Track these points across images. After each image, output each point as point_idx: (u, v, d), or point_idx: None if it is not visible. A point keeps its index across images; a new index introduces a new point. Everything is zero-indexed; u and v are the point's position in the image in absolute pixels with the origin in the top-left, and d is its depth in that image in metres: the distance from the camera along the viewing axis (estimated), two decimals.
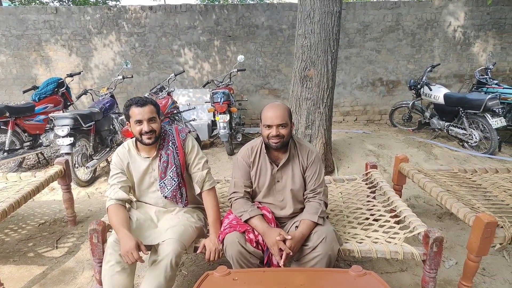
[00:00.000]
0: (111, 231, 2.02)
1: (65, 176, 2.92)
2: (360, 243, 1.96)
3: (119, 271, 1.78)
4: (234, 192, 2.04)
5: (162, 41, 6.36)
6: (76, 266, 2.51)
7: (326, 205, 2.02)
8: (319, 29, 3.51)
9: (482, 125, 4.68)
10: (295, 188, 2.00)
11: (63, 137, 3.61)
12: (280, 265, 1.75)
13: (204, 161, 2.13)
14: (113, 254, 1.81)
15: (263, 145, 2.02)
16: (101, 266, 1.89)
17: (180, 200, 2.08)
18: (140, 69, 6.48)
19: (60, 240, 2.85)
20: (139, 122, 1.94)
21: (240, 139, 5.09)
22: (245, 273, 1.66)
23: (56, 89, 4.77)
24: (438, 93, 5.27)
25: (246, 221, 1.91)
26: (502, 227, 1.91)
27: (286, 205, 2.03)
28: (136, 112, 1.93)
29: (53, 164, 2.93)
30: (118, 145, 4.40)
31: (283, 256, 1.75)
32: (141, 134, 1.95)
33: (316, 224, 1.88)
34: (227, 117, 4.62)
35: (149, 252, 1.88)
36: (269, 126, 1.89)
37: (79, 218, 3.17)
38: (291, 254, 1.75)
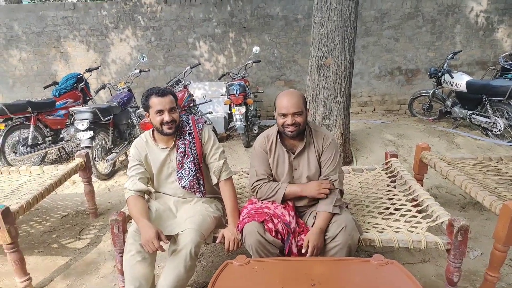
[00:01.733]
0: (131, 222, 2.04)
1: (86, 169, 2.97)
2: (381, 232, 1.92)
3: (139, 261, 1.80)
4: (258, 180, 2.01)
5: (177, 34, 6.38)
6: (98, 257, 2.56)
7: (342, 192, 1.98)
8: (336, 16, 3.44)
9: (507, 112, 4.51)
10: (311, 175, 1.98)
11: (83, 131, 3.68)
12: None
13: (221, 151, 2.12)
14: (134, 244, 1.83)
15: (278, 133, 2.00)
16: (122, 256, 1.91)
17: (198, 190, 2.08)
18: (156, 63, 6.52)
19: (83, 232, 2.91)
20: (160, 112, 1.94)
21: (256, 131, 5.08)
22: (265, 262, 1.65)
23: (75, 84, 4.86)
24: (460, 81, 5.09)
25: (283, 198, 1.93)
26: None
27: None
28: (157, 102, 1.94)
29: (74, 158, 2.98)
30: (136, 138, 4.46)
31: (310, 248, 1.74)
32: (161, 124, 1.95)
33: (333, 214, 1.85)
34: (243, 109, 4.60)
35: (169, 241, 1.90)
36: (284, 115, 1.87)
37: (100, 210, 3.23)
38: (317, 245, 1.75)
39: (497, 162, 2.72)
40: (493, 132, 4.67)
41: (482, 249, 2.42)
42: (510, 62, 5.45)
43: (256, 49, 5.31)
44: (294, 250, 1.81)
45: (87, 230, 2.93)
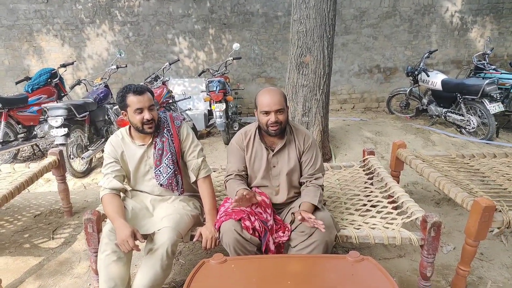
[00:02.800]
0: (106, 221, 2.00)
1: (60, 167, 2.88)
2: (358, 229, 1.95)
3: (115, 260, 1.76)
4: (227, 176, 2.03)
5: (156, 30, 6.26)
6: (72, 256, 2.49)
7: (322, 189, 2.00)
8: (315, 14, 3.45)
9: (479, 110, 4.66)
10: (291, 173, 1.99)
11: (57, 127, 3.57)
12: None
13: (200, 149, 2.10)
14: (109, 243, 1.79)
15: (257, 130, 1.99)
16: (96, 255, 1.87)
17: (176, 188, 2.05)
18: (135, 58, 6.39)
19: (56, 231, 2.83)
20: (140, 110, 1.89)
21: (236, 128, 5.05)
22: (242, 260, 1.65)
23: (49, 80, 4.70)
24: (436, 79, 5.23)
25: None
26: (500, 211, 1.89)
27: (280, 191, 2.02)
28: (135, 101, 1.88)
29: (47, 156, 2.89)
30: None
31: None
32: (142, 123, 1.90)
33: (315, 209, 1.86)
34: (223, 106, 4.58)
35: (145, 241, 1.86)
36: (267, 113, 1.86)
37: (75, 209, 3.15)
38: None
39: (469, 159, 2.80)
40: (467, 129, 4.81)
41: (455, 243, 2.49)
42: (483, 62, 5.62)
43: (236, 45, 5.28)
44: (272, 247, 1.81)
45: (61, 229, 2.85)
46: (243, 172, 2.03)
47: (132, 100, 1.88)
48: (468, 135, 4.80)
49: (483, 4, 6.43)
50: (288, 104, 2.01)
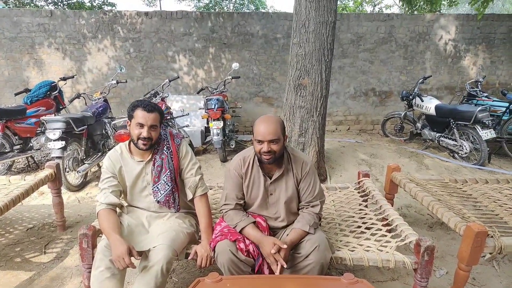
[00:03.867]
0: (101, 237, 1.99)
1: (56, 180, 2.88)
2: (352, 251, 1.96)
3: (108, 277, 1.75)
4: (225, 204, 2.02)
5: (157, 47, 6.37)
6: (64, 272, 2.46)
7: (319, 218, 2.00)
8: (314, 38, 3.55)
9: (472, 136, 4.75)
10: (289, 201, 1.99)
11: (54, 140, 3.57)
12: (276, 273, 1.74)
13: (198, 167, 2.12)
14: (103, 259, 1.78)
15: (256, 157, 1.98)
16: (90, 272, 1.85)
17: (172, 205, 2.07)
18: (134, 74, 6.47)
19: (49, 246, 2.80)
20: (141, 125, 1.92)
21: (233, 146, 5.09)
22: (237, 279, 1.65)
23: (48, 92, 4.73)
24: (430, 104, 5.34)
25: (240, 232, 1.89)
26: (492, 236, 1.92)
27: (279, 217, 2.01)
28: (140, 115, 1.92)
29: (43, 168, 2.89)
30: (110, 149, 4.37)
31: (278, 268, 1.73)
32: (138, 138, 1.94)
33: (307, 233, 1.87)
34: (220, 123, 4.62)
35: (140, 257, 1.86)
36: (260, 141, 1.85)
37: (68, 223, 3.13)
38: (285, 266, 1.74)
39: (462, 184, 2.85)
40: (460, 154, 4.89)
41: (448, 267, 2.50)
42: (476, 89, 5.76)
43: (235, 65, 5.37)
44: (266, 271, 1.81)
45: (54, 244, 2.82)
46: (241, 201, 2.02)
47: (138, 114, 1.93)
48: (460, 160, 4.87)
49: (475, 34, 6.64)
50: (286, 131, 2.01)
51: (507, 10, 18.88)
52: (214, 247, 1.84)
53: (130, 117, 1.97)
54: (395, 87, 6.85)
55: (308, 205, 1.98)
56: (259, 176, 1.98)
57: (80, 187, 3.99)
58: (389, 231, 2.17)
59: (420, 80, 5.69)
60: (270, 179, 1.98)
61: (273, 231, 2.03)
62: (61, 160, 3.57)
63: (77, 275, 2.41)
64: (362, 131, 7.01)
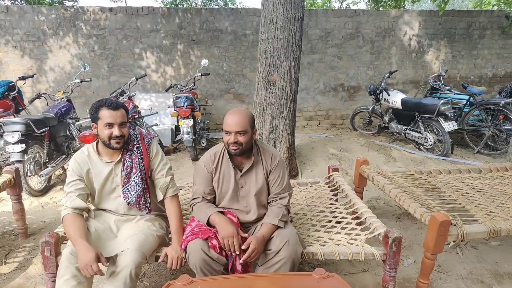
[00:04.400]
0: (65, 243, 1.90)
1: (15, 186, 2.73)
2: (323, 245, 1.98)
3: (74, 286, 1.68)
4: (194, 199, 2.02)
5: (123, 44, 6.17)
6: (27, 282, 2.34)
7: (288, 210, 2.02)
8: (282, 35, 3.56)
9: (436, 128, 4.93)
10: (259, 193, 2.00)
11: (13, 143, 3.38)
12: (240, 261, 1.75)
13: (168, 167, 2.08)
14: (69, 267, 1.70)
15: (226, 151, 1.99)
16: (54, 281, 1.78)
17: (143, 207, 2.01)
18: (100, 72, 6.24)
19: (10, 255, 2.65)
20: (110, 125, 1.86)
21: (204, 144, 5.03)
22: (208, 281, 1.63)
23: (6, 93, 4.46)
24: (396, 98, 5.50)
25: (207, 223, 1.89)
26: (455, 225, 2.00)
27: (250, 210, 2.01)
28: (107, 115, 1.85)
29: (1, 173, 2.73)
30: (75, 151, 4.19)
31: (249, 250, 1.73)
32: (110, 138, 1.87)
33: (278, 227, 1.88)
34: (190, 122, 4.55)
35: (108, 263, 1.79)
36: (228, 132, 1.87)
37: (31, 230, 2.98)
38: (254, 250, 1.74)
39: (427, 175, 2.95)
40: (425, 146, 5.07)
41: (415, 256, 2.59)
42: (439, 83, 5.99)
43: (204, 62, 5.30)
44: (239, 267, 1.80)
45: (15, 253, 2.67)
46: (210, 196, 2.01)
47: (105, 114, 1.86)
48: (426, 152, 5.05)
49: (438, 29, 6.89)
50: (255, 125, 2.03)
51: (466, 6, 19.76)
52: (186, 247, 1.81)
53: (95, 119, 1.89)
54: (363, 82, 7.00)
55: (277, 197, 2.00)
56: (229, 170, 1.99)
57: (43, 191, 3.81)
58: (359, 224, 2.22)
59: (387, 75, 5.85)
60: (241, 172, 1.97)
61: (244, 227, 2.03)
62: (21, 164, 3.39)
63: (41, 284, 2.30)
64: (332, 126, 7.13)
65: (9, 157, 3.71)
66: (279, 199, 1.99)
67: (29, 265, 2.51)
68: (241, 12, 6.34)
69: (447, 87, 5.96)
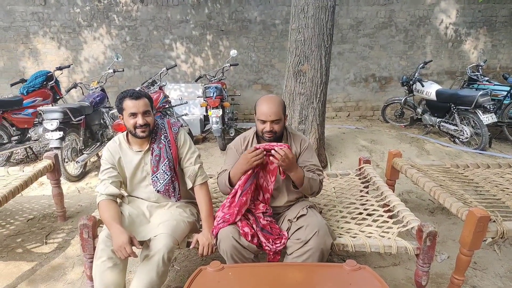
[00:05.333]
0: (102, 227, 1.98)
1: (54, 171, 2.86)
2: (354, 237, 1.95)
3: (110, 267, 1.75)
4: (220, 172, 2.05)
5: (153, 34, 6.28)
6: (66, 262, 2.46)
7: (321, 183, 2.00)
8: (313, 24, 3.49)
9: (473, 121, 4.73)
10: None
11: (52, 131, 3.54)
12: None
13: (197, 156, 2.10)
14: (105, 249, 1.77)
15: (255, 135, 2.03)
16: (91, 262, 1.85)
17: (172, 194, 2.05)
18: (131, 63, 6.39)
19: (50, 236, 2.80)
20: (134, 115, 1.90)
21: (232, 134, 5.06)
22: (239, 268, 1.64)
23: (45, 83, 4.67)
24: (430, 89, 5.30)
25: (229, 180, 1.93)
26: (494, 221, 1.92)
27: (280, 194, 2.02)
28: (131, 105, 1.89)
29: (42, 159, 2.87)
30: (109, 139, 4.33)
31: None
32: (135, 127, 1.91)
33: (310, 214, 1.89)
34: (219, 112, 4.58)
35: (142, 247, 1.85)
36: (263, 121, 1.89)
37: (69, 213, 3.12)
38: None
39: (463, 169, 2.84)
40: (460, 139, 4.87)
41: (449, 252, 2.51)
42: (477, 73, 5.71)
43: (233, 52, 5.30)
44: (269, 253, 1.81)
45: (55, 234, 2.82)
46: None
47: (128, 104, 1.90)
48: (461, 145, 4.86)
49: (477, 17, 6.54)
50: (286, 112, 2.03)
51: None
52: (217, 234, 1.84)
53: (121, 110, 1.94)
54: (395, 72, 6.79)
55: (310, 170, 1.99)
56: None
57: (80, 177, 3.98)
58: (391, 217, 2.17)
59: (421, 65, 5.64)
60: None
61: (276, 212, 2.04)
62: (59, 151, 3.54)
63: (78, 265, 2.41)
64: (362, 117, 6.97)
65: (47, 144, 3.89)
66: (315, 172, 1.99)
67: (68, 246, 2.64)
68: (270, 2, 6.27)
69: (486, 78, 5.67)
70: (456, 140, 4.96)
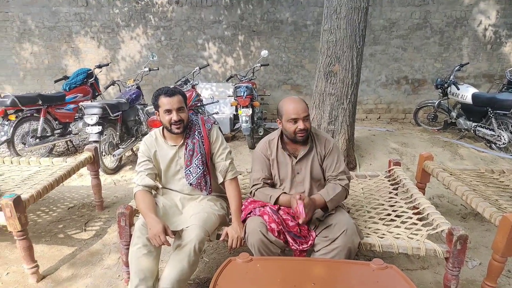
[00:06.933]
0: (137, 216, 2.10)
1: (94, 163, 3.03)
2: (382, 238, 1.96)
3: (145, 254, 1.85)
4: (254, 185, 2.08)
5: (187, 34, 6.46)
6: (103, 248, 2.61)
7: (346, 191, 2.01)
8: (345, 25, 3.49)
9: (511, 126, 4.53)
10: (315, 179, 2.03)
11: (92, 125, 3.74)
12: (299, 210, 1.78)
13: (228, 152, 2.18)
14: (140, 237, 1.88)
15: (280, 138, 2.04)
16: (127, 248, 1.97)
17: (204, 188, 2.13)
18: (166, 62, 6.60)
19: (88, 224, 2.97)
20: (169, 111, 1.99)
21: (261, 133, 5.12)
22: (267, 260, 1.70)
23: (85, 80, 4.94)
24: (466, 93, 5.13)
25: (275, 203, 1.97)
26: None
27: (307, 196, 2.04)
28: (165, 102, 1.99)
29: (82, 152, 3.05)
30: (143, 135, 4.53)
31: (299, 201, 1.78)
32: (170, 123, 2.01)
33: (338, 213, 1.91)
34: (249, 111, 4.66)
35: (174, 237, 1.94)
36: (295, 120, 1.90)
37: (105, 203, 3.29)
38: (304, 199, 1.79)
39: (499, 174, 2.75)
40: (497, 145, 4.69)
41: (481, 259, 2.45)
42: None
43: (264, 52, 5.36)
44: (295, 248, 1.84)
45: (93, 222, 2.99)
46: (269, 180, 2.07)
47: (163, 101, 2.00)
48: (498, 151, 4.67)
49: None
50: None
51: None
52: (244, 220, 1.95)
53: (157, 107, 2.04)
54: (429, 74, 6.61)
55: (335, 177, 2.00)
56: (285, 157, 2.04)
57: (116, 170, 4.17)
58: (420, 219, 2.15)
59: (456, 68, 5.46)
60: (296, 158, 2.02)
61: None
62: (98, 144, 3.74)
63: (114, 252, 2.55)
64: (393, 120, 6.84)
65: (87, 137, 4.11)
66: (339, 180, 2.00)
67: (105, 234, 2.79)
68: (302, 3, 6.29)
69: None
70: (493, 145, 4.78)
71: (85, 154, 2.96)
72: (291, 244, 1.86)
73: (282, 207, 1.97)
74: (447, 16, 6.29)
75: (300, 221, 1.78)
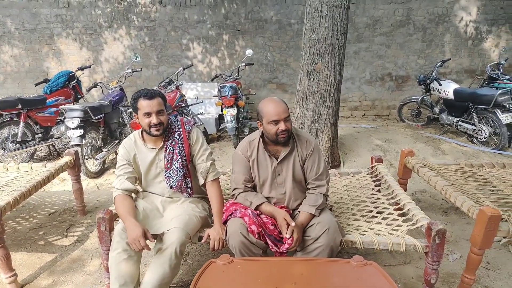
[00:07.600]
0: (118, 220, 2.07)
1: (75, 167, 2.98)
2: (363, 234, 1.97)
3: (125, 259, 1.82)
4: (236, 189, 2.07)
5: (171, 35, 6.40)
6: (84, 254, 2.57)
7: (325, 198, 2.02)
8: (327, 23, 3.50)
9: (492, 120, 4.62)
10: (296, 180, 2.02)
11: (73, 129, 3.69)
12: (285, 240, 1.81)
13: (209, 153, 2.16)
14: (120, 242, 1.85)
15: (261, 139, 2.02)
16: (108, 253, 1.93)
17: (185, 190, 2.12)
18: (150, 63, 6.54)
19: (70, 229, 2.92)
20: (148, 114, 1.97)
21: (247, 133, 5.11)
22: (248, 261, 1.69)
23: (67, 82, 4.85)
24: (448, 88, 5.21)
25: (255, 209, 1.97)
26: (506, 220, 1.90)
27: (287, 198, 2.04)
28: (145, 105, 1.96)
29: (63, 156, 2.99)
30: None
31: (289, 230, 1.81)
32: (149, 126, 1.98)
33: (314, 216, 1.91)
34: (234, 111, 4.64)
35: (155, 240, 1.92)
36: (276, 122, 1.88)
37: (88, 208, 3.24)
38: (296, 237, 1.80)
39: (478, 168, 2.80)
40: (478, 139, 4.77)
41: (462, 252, 2.49)
42: (497, 72, 5.57)
43: (249, 51, 5.35)
44: (279, 248, 1.85)
45: (75, 228, 2.94)
46: (250, 183, 2.05)
47: (142, 104, 1.97)
48: (479, 145, 4.76)
49: (498, 14, 6.38)
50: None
51: None
52: (225, 221, 1.94)
53: (135, 109, 2.01)
54: (412, 71, 6.70)
55: (315, 184, 2.01)
56: (266, 158, 2.02)
57: (99, 174, 4.11)
58: (401, 215, 2.17)
59: (439, 64, 5.55)
60: (277, 160, 2.00)
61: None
62: (80, 148, 3.68)
63: (97, 257, 2.51)
64: (378, 117, 6.91)
65: (69, 141, 4.04)
66: (317, 187, 2.00)
67: (87, 239, 2.75)
68: (286, 2, 6.30)
69: (507, 77, 5.52)
70: (474, 140, 4.86)
71: (65, 159, 2.91)
72: (271, 247, 1.86)
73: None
74: (429, 13, 6.37)
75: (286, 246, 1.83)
